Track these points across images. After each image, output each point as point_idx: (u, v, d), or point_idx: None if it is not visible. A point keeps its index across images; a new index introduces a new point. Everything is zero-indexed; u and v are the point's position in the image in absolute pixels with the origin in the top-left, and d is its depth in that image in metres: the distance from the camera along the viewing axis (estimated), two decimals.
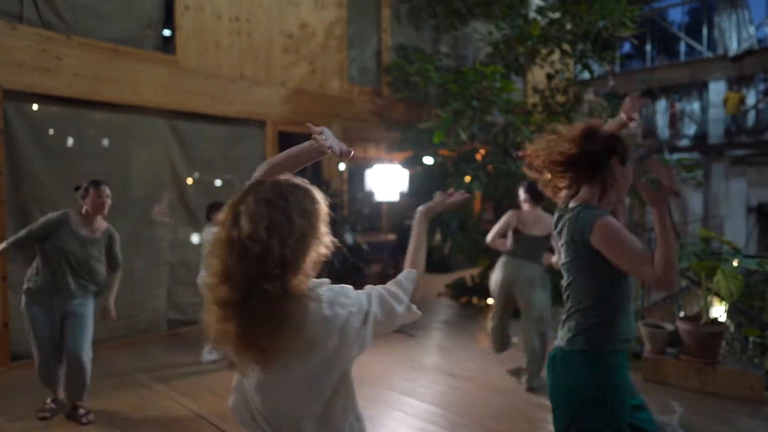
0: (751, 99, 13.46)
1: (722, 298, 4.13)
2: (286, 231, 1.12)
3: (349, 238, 5.86)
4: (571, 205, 1.84)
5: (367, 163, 9.77)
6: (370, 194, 5.97)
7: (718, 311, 4.88)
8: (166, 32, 5.58)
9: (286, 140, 6.57)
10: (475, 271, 7.21)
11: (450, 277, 7.79)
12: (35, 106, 4.61)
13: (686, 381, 3.85)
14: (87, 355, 3.20)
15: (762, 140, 12.62)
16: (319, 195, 1.25)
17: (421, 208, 1.55)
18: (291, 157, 1.49)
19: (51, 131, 4.70)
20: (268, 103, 6.18)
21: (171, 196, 5.48)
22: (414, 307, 1.37)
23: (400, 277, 1.40)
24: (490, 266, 6.68)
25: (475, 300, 6.80)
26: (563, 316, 1.92)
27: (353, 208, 7.26)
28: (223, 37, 5.81)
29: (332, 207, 4.60)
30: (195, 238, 5.56)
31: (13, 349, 4.37)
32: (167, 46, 5.53)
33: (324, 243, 1.22)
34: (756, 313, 5.36)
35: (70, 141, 4.84)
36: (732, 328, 4.91)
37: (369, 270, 7.23)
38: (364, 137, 9.02)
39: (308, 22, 6.66)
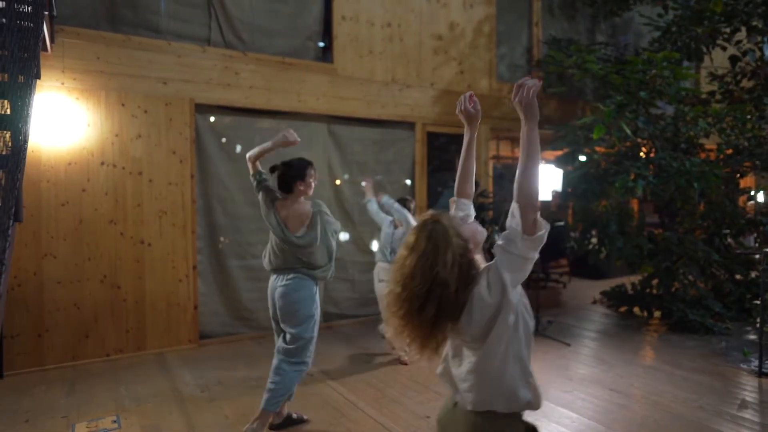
0: None
1: None
2: None
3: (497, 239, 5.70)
4: None
5: (517, 162, 9.47)
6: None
7: None
8: (321, 44, 5.97)
9: (433, 141, 6.64)
10: (635, 278, 6.59)
11: (605, 284, 7.23)
12: (219, 117, 5.24)
13: None
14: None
15: None
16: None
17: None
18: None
19: (230, 138, 5.31)
20: (417, 105, 6.30)
21: (328, 194, 5.83)
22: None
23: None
24: (655, 274, 6.06)
25: (636, 310, 6.20)
26: None
27: (501, 209, 7.07)
28: (377, 44, 6.05)
29: (481, 207, 4.57)
30: (345, 236, 5.87)
31: (201, 329, 5.02)
32: (325, 55, 5.92)
33: None
34: None
35: (245, 146, 5.41)
36: None
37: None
38: (513, 136, 8.77)
39: (457, 23, 6.65)
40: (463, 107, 1.70)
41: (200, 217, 5.08)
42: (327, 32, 5.90)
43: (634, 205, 8.81)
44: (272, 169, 3.17)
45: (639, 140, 6.16)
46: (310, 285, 3.07)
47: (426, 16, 6.40)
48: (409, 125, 6.33)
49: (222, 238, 5.21)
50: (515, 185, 1.38)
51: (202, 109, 5.08)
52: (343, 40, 5.84)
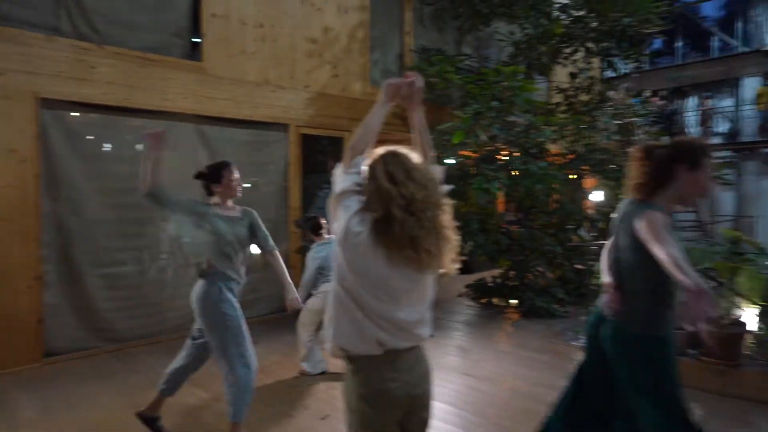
0: None
1: (748, 299, 4.06)
2: None
3: None
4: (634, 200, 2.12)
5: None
6: None
7: (751, 313, 4.77)
8: (194, 40, 5.78)
9: (308, 143, 6.71)
10: (496, 272, 7.21)
11: (472, 278, 7.81)
12: (72, 114, 4.84)
13: (707, 383, 3.79)
14: None
15: None
16: None
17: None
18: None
19: (86, 137, 4.93)
20: (291, 107, 6.33)
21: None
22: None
23: None
24: (512, 267, 6.71)
25: (495, 300, 6.81)
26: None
27: None
28: (249, 44, 5.97)
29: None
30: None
31: (47, 345, 4.59)
32: (194, 53, 5.73)
33: None
34: None
35: (104, 146, 5.06)
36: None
37: None
38: (387, 139, 9.12)
39: (331, 27, 6.78)
40: (403, 92, 1.79)
41: (47, 222, 4.64)
42: (195, 29, 5.71)
43: (500, 205, 9.62)
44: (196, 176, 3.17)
45: (498, 145, 6.77)
46: (204, 284, 2.93)
47: (300, 19, 6.45)
48: (283, 127, 6.34)
49: (76, 245, 4.80)
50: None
51: (51, 104, 4.65)
52: (212, 38, 5.68)
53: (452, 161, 6.61)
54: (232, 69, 5.82)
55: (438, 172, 1.67)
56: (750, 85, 13.56)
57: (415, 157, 1.62)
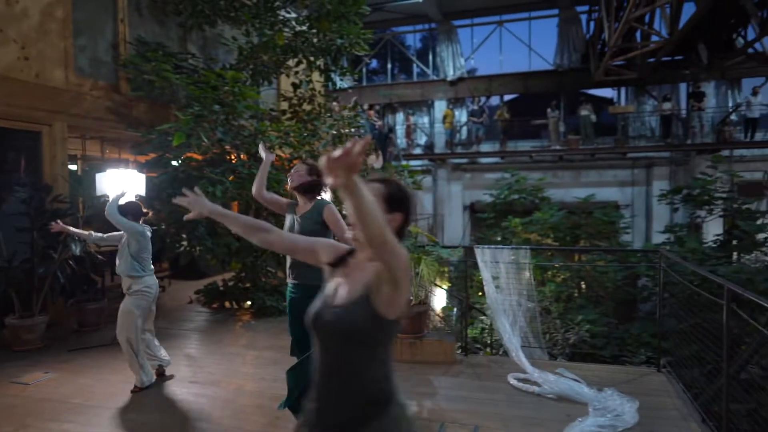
0: (463, 117, 16.45)
1: (430, 283, 5.02)
2: None
3: (75, 248, 5.20)
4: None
5: (107, 164, 8.80)
6: (105, 198, 5.42)
7: (442, 294, 5.89)
8: None
9: None
10: (227, 275, 7.18)
11: (202, 283, 7.60)
12: None
13: (403, 355, 4.57)
14: None
15: (471, 152, 15.56)
16: None
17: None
18: None
19: None
20: None
21: None
22: None
23: None
24: (244, 269, 6.77)
25: (227, 304, 6.78)
26: None
27: (88, 214, 6.45)
28: None
29: (55, 213, 4.24)
30: None
31: None
32: None
33: None
34: (463, 293, 6.66)
35: None
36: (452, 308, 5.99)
37: (106, 282, 6.53)
38: (100, 136, 8.13)
39: None
40: None
41: None
42: None
43: (235, 207, 9.55)
44: None
45: (227, 149, 6.72)
46: None
47: None
48: None
49: None
50: None
51: None
52: None
53: (176, 163, 6.31)
54: None
55: None
56: (440, 107, 16.68)
57: None
